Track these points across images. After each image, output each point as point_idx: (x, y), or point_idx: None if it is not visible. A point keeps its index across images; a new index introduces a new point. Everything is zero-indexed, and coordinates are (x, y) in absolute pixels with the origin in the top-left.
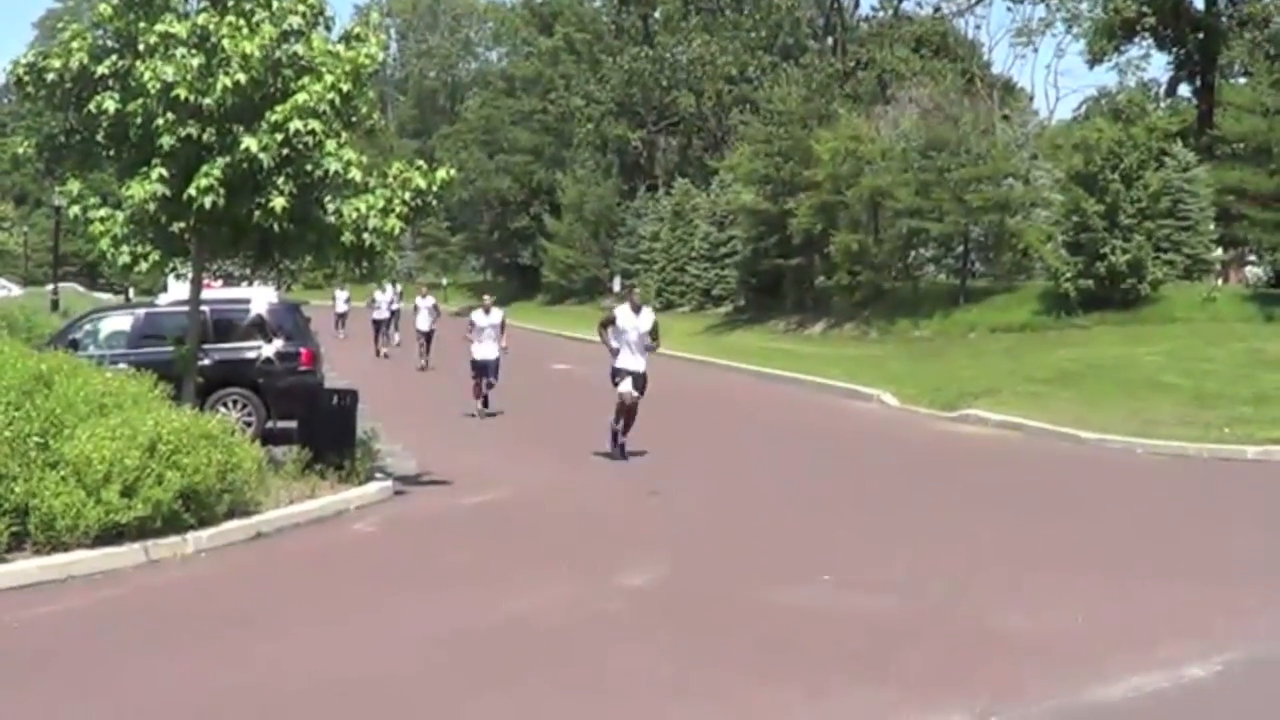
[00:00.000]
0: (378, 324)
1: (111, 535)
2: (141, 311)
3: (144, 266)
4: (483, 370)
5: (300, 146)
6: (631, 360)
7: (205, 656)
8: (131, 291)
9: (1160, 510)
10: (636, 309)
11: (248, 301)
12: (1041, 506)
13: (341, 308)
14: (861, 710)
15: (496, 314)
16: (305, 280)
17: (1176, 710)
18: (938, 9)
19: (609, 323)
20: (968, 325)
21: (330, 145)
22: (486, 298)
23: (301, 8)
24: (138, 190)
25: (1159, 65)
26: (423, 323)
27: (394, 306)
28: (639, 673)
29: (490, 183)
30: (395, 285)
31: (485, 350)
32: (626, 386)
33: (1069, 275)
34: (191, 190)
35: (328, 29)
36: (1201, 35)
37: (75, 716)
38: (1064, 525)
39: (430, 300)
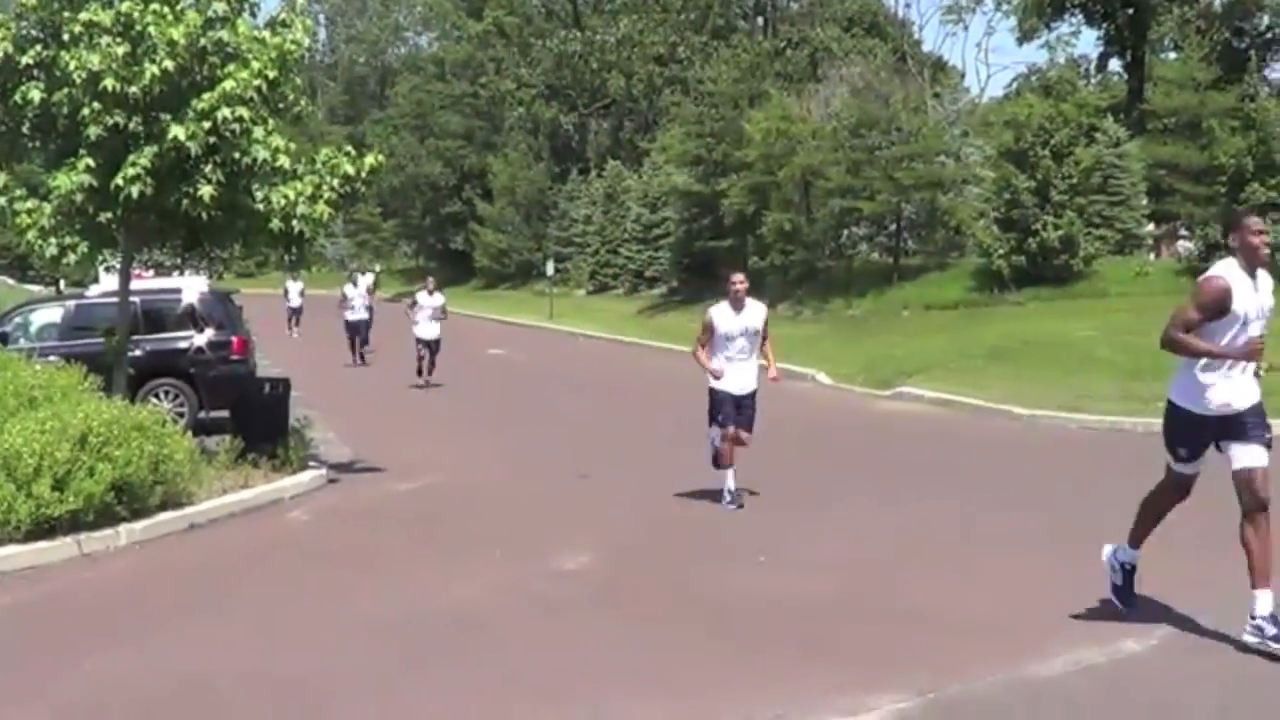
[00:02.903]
0: (352, 327)
1: (43, 529)
2: (72, 303)
3: (72, 258)
4: (737, 408)
5: (228, 134)
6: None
7: (140, 649)
8: (62, 284)
9: (1096, 486)
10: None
11: (178, 291)
12: (977, 484)
13: (295, 301)
14: (801, 691)
15: (757, 310)
16: (238, 269)
17: (1113, 684)
18: None
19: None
20: (901, 303)
21: (258, 133)
22: (737, 280)
23: None
24: (64, 181)
25: (1089, 41)
26: (427, 330)
27: (368, 303)
28: (576, 658)
29: (421, 168)
30: (366, 274)
31: (742, 375)
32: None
33: (1001, 252)
34: (119, 180)
35: (253, 15)
36: (1131, 10)
37: (8, 715)
38: (1000, 502)
39: (439, 299)
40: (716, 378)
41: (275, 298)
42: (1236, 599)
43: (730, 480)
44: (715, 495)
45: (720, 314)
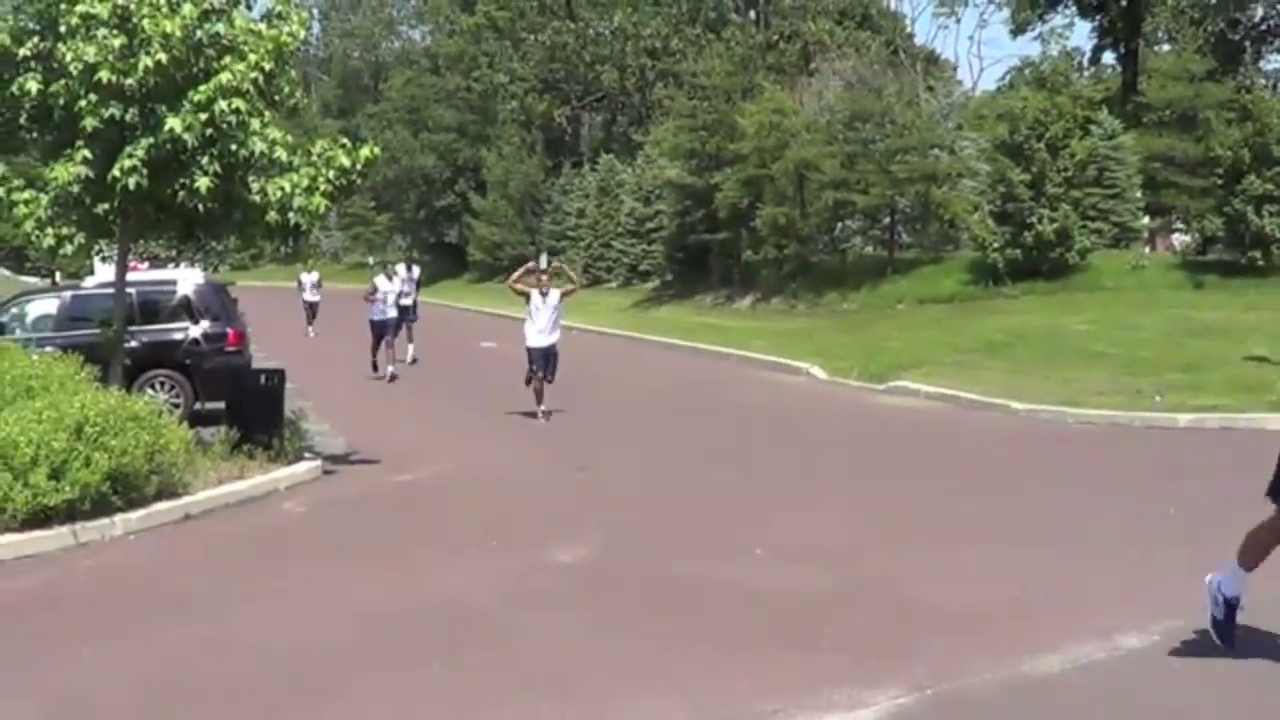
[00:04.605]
0: (380, 328)
1: (39, 518)
2: (68, 294)
3: (69, 249)
4: None
5: (224, 126)
6: None
7: (136, 639)
8: (58, 275)
9: (1093, 480)
10: None
11: (174, 283)
12: (973, 478)
13: (311, 295)
14: (799, 684)
15: None
16: (232, 261)
17: (1114, 680)
18: None
19: None
20: (896, 297)
21: (255, 124)
22: None
23: None
24: (61, 172)
25: (1082, 33)
26: (540, 337)
27: (406, 299)
28: (573, 650)
29: (415, 161)
30: (411, 268)
31: None
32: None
33: (996, 245)
34: (115, 171)
35: (249, 8)
36: (1125, 2)
37: (4, 704)
38: (996, 496)
39: (554, 296)
40: None
41: (281, 292)
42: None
43: None
44: (709, 486)
45: None
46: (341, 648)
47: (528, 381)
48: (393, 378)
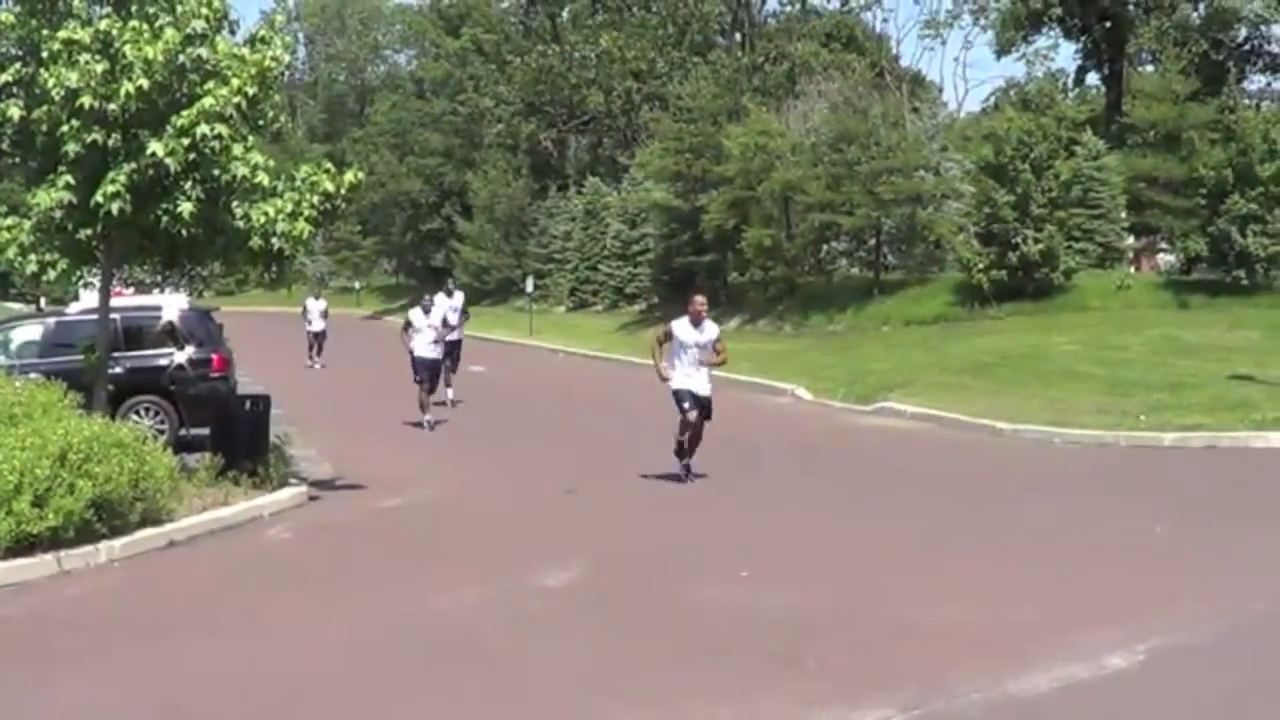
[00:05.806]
0: (423, 367)
1: (23, 546)
2: (52, 320)
3: (52, 275)
4: None
5: (207, 151)
6: None
7: (119, 667)
8: (43, 301)
9: (1079, 499)
10: None
11: (159, 309)
12: (959, 498)
13: (316, 324)
14: (785, 706)
15: None
16: (218, 287)
17: (1100, 701)
18: (845, 2)
19: None
20: (882, 318)
21: (237, 149)
22: None
23: (205, 11)
24: (44, 198)
25: (1067, 55)
26: (690, 377)
27: (456, 334)
28: (558, 673)
29: (401, 185)
30: (454, 294)
31: None
32: None
33: (982, 266)
34: (98, 197)
35: (232, 32)
36: (1109, 24)
37: None
38: (983, 516)
39: (711, 331)
40: None
41: (269, 318)
42: (1223, 610)
43: None
44: (697, 508)
45: None
46: (328, 675)
47: (679, 452)
48: (433, 425)
